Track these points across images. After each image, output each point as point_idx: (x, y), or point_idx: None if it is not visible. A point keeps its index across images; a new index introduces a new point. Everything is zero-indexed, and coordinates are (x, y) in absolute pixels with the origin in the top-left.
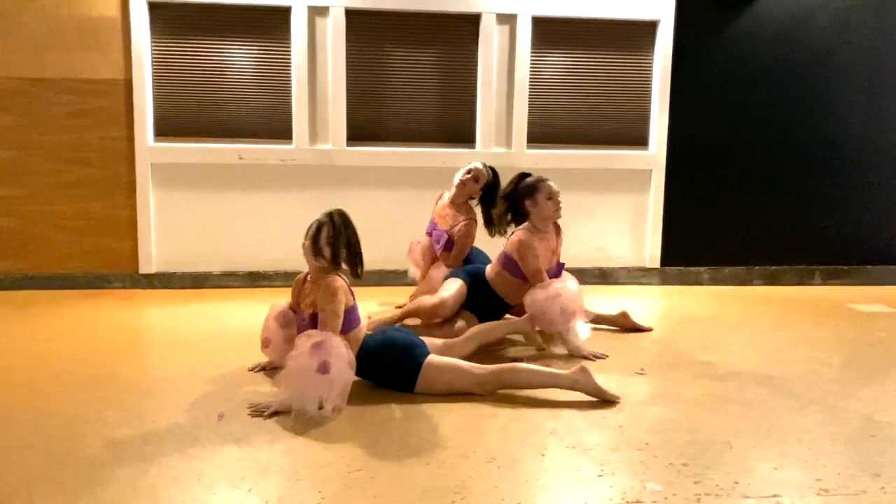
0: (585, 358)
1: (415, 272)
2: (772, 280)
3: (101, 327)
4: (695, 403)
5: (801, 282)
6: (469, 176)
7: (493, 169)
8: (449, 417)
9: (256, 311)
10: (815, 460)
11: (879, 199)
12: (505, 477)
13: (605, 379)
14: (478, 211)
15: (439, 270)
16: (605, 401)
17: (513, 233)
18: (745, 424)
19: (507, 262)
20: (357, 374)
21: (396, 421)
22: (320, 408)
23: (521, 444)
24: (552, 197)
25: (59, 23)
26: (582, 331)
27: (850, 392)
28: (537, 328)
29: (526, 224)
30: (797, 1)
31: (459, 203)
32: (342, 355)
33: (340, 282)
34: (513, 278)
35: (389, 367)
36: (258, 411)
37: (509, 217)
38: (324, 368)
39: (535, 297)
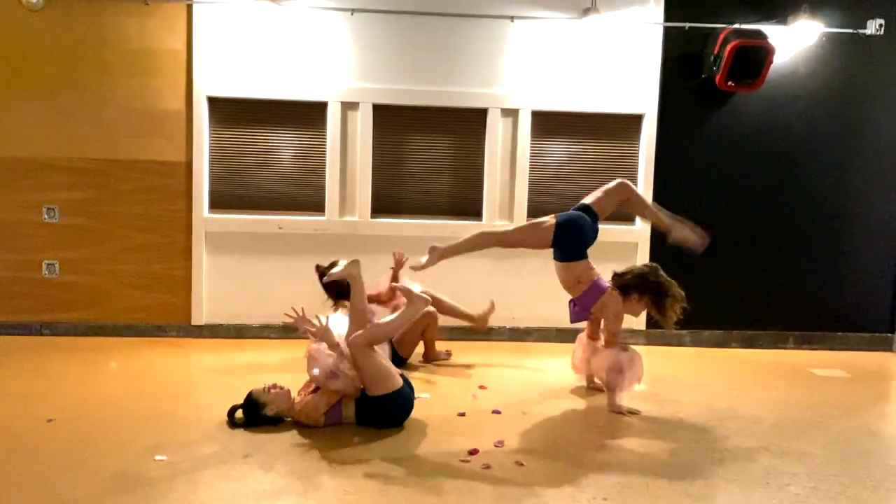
0: (621, 413)
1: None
2: (748, 343)
3: (158, 370)
4: (630, 452)
5: (775, 346)
6: None
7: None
8: (427, 459)
9: (288, 358)
10: (710, 498)
11: (852, 267)
12: None
13: (564, 431)
14: None
15: None
16: None
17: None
18: (666, 469)
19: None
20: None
21: (386, 461)
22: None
23: (483, 481)
24: None
25: (133, 114)
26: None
27: (766, 445)
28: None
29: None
30: (769, 96)
31: None
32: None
33: None
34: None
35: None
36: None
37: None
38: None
39: (617, 356)
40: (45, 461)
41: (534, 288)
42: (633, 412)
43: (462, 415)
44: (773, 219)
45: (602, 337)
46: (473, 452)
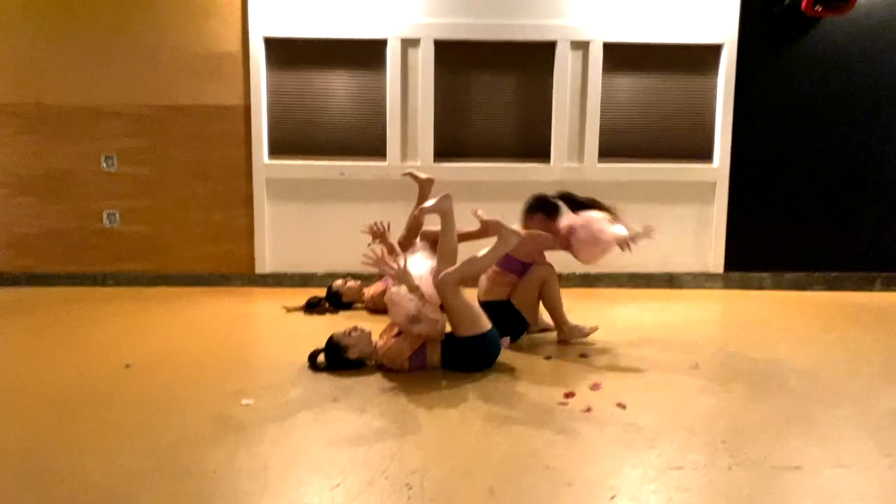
0: (583, 336)
1: None
2: (832, 286)
3: (226, 319)
4: (740, 395)
5: (860, 288)
6: None
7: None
8: (522, 402)
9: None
10: (838, 442)
11: None
12: (572, 446)
13: (660, 373)
14: None
15: None
16: None
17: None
18: (780, 412)
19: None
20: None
21: (480, 402)
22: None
23: (586, 422)
24: None
25: (189, 58)
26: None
27: (882, 389)
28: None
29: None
30: (860, 23)
31: None
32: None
33: None
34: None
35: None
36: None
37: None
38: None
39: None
40: (130, 407)
41: None
42: (592, 329)
43: (548, 358)
44: (860, 156)
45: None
46: (570, 395)
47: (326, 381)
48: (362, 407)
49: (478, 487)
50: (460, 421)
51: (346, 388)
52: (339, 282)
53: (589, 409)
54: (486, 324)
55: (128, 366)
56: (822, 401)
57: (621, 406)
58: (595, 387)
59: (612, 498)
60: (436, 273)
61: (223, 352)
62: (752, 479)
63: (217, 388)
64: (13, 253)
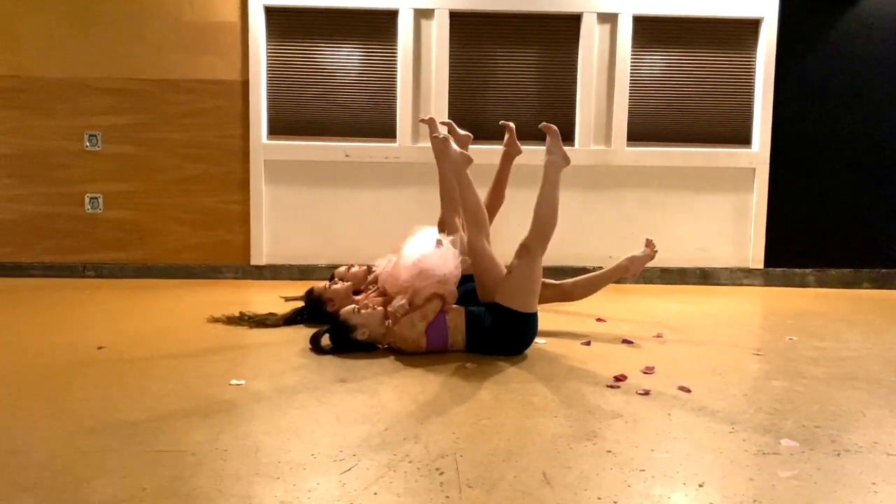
0: None
1: None
2: (881, 283)
3: (216, 307)
4: (818, 380)
5: None
6: None
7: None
8: (566, 384)
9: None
10: None
11: None
12: (635, 430)
13: (719, 359)
14: None
15: None
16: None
17: None
18: (874, 399)
19: None
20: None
21: (517, 383)
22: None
23: (646, 406)
24: None
25: (182, 27)
26: None
27: None
28: None
29: None
30: None
31: None
32: None
33: None
34: None
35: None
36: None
37: None
38: None
39: None
40: (97, 388)
41: (633, 222)
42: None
43: (587, 343)
44: None
45: None
46: (621, 378)
47: (332, 363)
48: (375, 388)
49: (527, 473)
50: (495, 403)
51: (356, 368)
52: (341, 269)
53: (647, 392)
54: (536, 303)
55: (100, 348)
56: (876, 397)
57: (685, 389)
58: (649, 370)
59: (701, 486)
60: (467, 240)
61: (211, 335)
62: (869, 465)
63: (201, 370)
64: None
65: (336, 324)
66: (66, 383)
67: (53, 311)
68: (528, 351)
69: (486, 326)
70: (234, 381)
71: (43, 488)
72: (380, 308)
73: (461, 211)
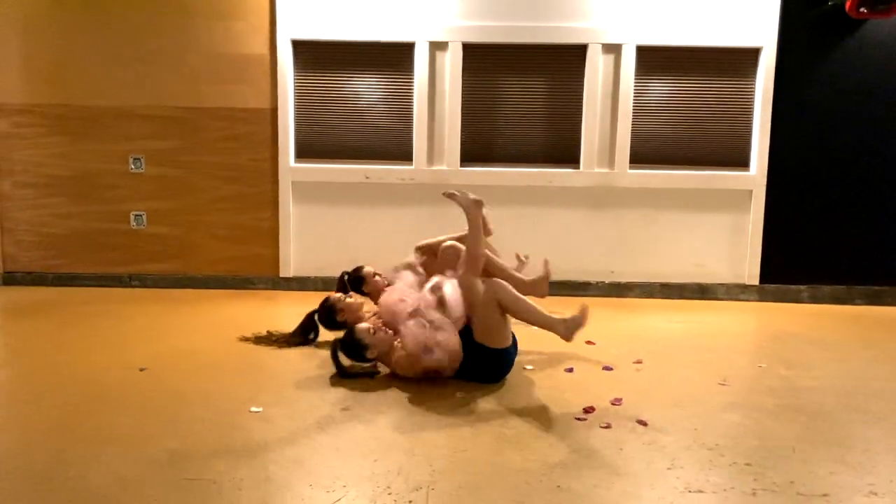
0: None
1: None
2: (873, 300)
3: (247, 322)
4: (767, 413)
5: None
6: None
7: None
8: (540, 416)
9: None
10: (872, 468)
11: None
12: (587, 464)
13: (685, 388)
14: None
15: None
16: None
17: None
18: (811, 433)
19: None
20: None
21: (495, 416)
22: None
23: (602, 440)
24: None
25: (216, 60)
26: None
27: None
28: None
29: None
30: None
31: None
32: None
33: None
34: None
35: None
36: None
37: None
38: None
39: None
40: (138, 412)
41: (635, 240)
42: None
43: (570, 370)
44: None
45: None
46: (589, 410)
47: (339, 390)
48: (372, 418)
49: None
50: (473, 434)
51: (359, 398)
52: (368, 269)
53: (608, 426)
54: (509, 338)
55: (142, 370)
56: (857, 422)
57: (642, 423)
58: (616, 402)
59: None
60: (461, 278)
61: (239, 356)
62: None
63: (228, 395)
64: (41, 253)
65: (351, 339)
66: (112, 408)
67: (102, 326)
68: (514, 377)
69: (471, 356)
70: (253, 409)
71: None
72: (391, 332)
73: (469, 253)
